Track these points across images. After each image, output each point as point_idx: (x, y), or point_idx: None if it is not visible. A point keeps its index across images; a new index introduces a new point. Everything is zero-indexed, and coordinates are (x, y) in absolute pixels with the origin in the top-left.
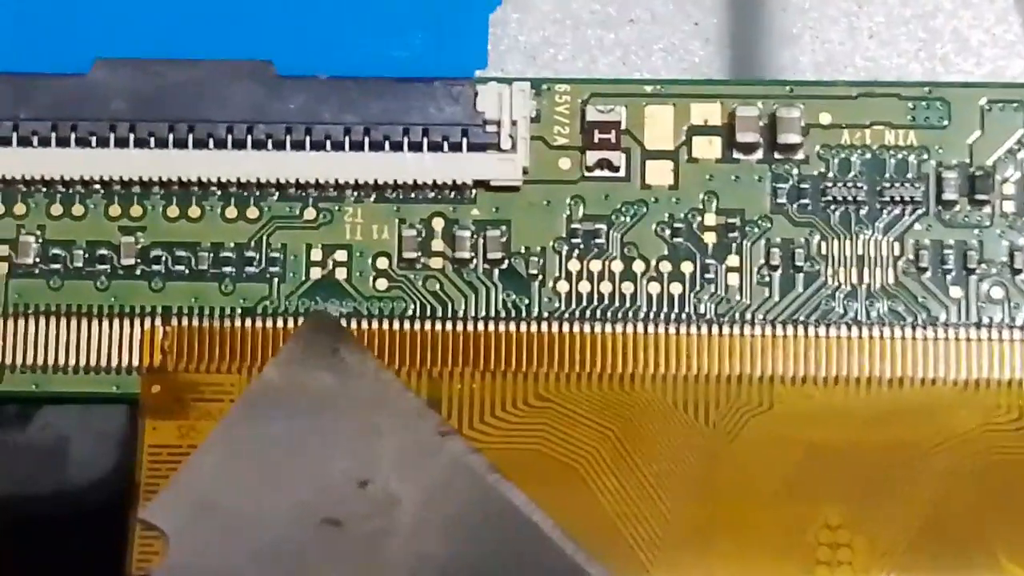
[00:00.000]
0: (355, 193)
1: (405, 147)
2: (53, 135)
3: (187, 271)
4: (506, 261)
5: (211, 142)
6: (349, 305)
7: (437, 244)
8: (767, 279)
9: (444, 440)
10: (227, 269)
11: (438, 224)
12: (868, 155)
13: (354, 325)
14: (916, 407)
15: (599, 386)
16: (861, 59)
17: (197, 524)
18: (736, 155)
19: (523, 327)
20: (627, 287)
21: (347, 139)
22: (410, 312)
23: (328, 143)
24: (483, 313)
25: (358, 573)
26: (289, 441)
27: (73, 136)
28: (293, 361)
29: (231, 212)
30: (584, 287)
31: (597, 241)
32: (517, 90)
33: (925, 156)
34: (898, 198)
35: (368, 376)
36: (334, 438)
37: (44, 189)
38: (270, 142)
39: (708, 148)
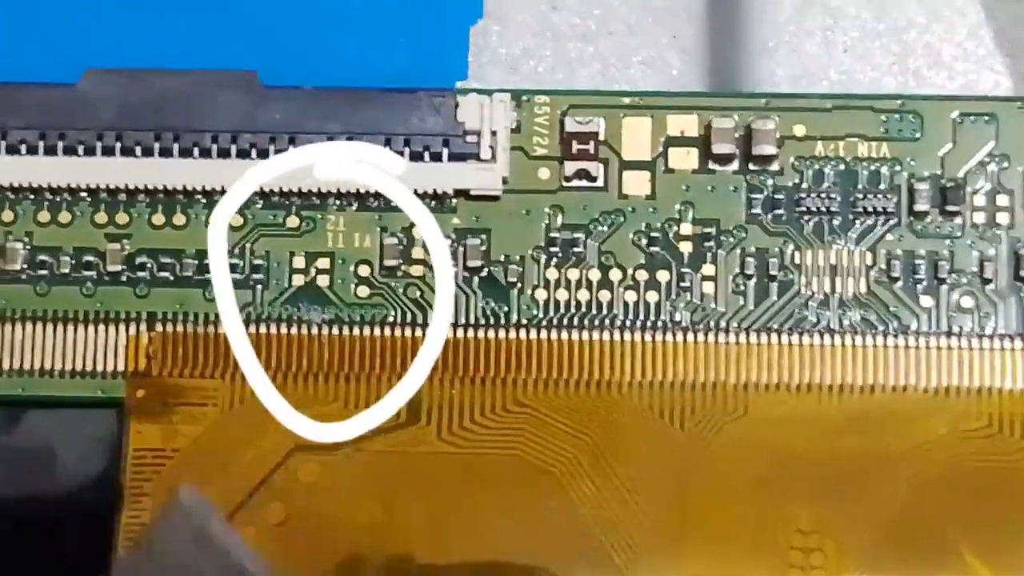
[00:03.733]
0: (337, 201)
1: None
2: (41, 143)
3: (172, 278)
4: (486, 269)
5: (196, 151)
6: (331, 312)
7: (418, 252)
8: (742, 288)
9: None
10: (211, 276)
11: (419, 233)
12: (842, 166)
13: (335, 332)
14: (887, 414)
15: (576, 392)
16: (836, 72)
17: None
18: (712, 166)
19: (502, 334)
20: (604, 295)
21: None
22: (391, 319)
23: None
24: (463, 320)
25: None
26: None
27: (61, 145)
28: (156, 539)
29: None
30: (562, 295)
31: (575, 250)
32: (497, 101)
33: (898, 168)
34: (871, 209)
35: (229, 549)
36: None
37: (32, 196)
38: (254, 151)
39: (684, 159)
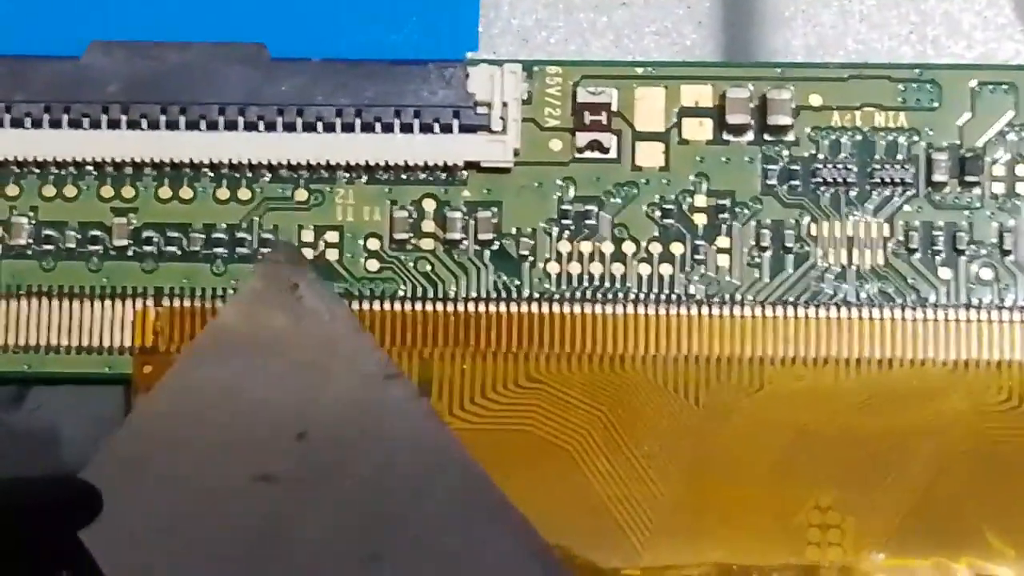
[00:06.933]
0: (347, 175)
1: (397, 129)
2: (46, 117)
3: (179, 252)
4: (497, 242)
5: (203, 124)
6: (340, 286)
7: (428, 225)
8: (757, 260)
9: (388, 384)
10: (219, 250)
11: (429, 205)
12: (858, 137)
13: None
14: (906, 388)
15: (590, 367)
16: (852, 42)
17: (130, 483)
18: (727, 137)
19: (514, 308)
20: (617, 268)
21: (339, 121)
22: (401, 293)
23: (320, 125)
24: (474, 294)
25: (289, 527)
26: (233, 390)
27: (66, 118)
28: (251, 301)
29: (223, 193)
30: (575, 268)
31: (588, 222)
32: (508, 72)
33: (915, 138)
34: (888, 180)
35: (322, 314)
36: (278, 387)
37: (37, 171)
38: (262, 124)
39: (699, 130)
